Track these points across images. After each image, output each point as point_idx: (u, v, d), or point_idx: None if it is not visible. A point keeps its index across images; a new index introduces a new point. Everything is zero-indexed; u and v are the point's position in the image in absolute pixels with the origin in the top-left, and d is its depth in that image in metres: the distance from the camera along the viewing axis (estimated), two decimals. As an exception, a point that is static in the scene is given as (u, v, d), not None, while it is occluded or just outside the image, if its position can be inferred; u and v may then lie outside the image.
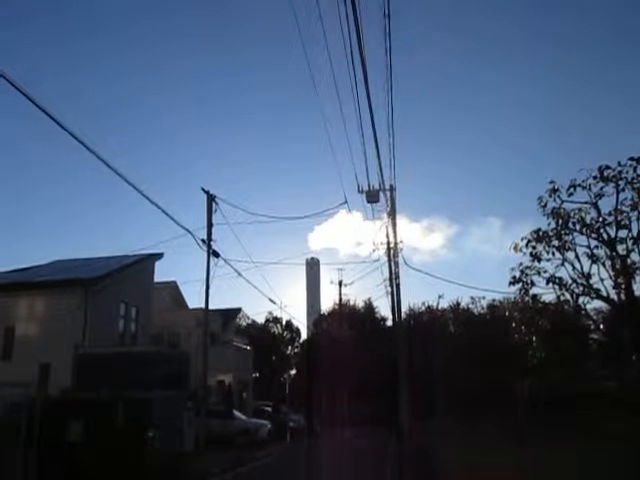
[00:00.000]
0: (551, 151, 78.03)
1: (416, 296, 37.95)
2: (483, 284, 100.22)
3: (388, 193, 21.03)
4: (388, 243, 22.61)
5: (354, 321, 38.35)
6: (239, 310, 41.38)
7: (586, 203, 12.87)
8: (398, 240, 21.93)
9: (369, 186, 19.49)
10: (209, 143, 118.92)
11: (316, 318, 50.67)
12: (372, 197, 20.24)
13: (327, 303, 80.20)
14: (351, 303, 43.34)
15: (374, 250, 23.16)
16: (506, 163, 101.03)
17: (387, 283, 23.08)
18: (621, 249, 12.47)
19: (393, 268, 22.14)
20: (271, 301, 24.49)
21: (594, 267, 12.93)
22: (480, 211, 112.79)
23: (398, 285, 21.71)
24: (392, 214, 21.85)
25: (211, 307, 19.63)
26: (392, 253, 22.23)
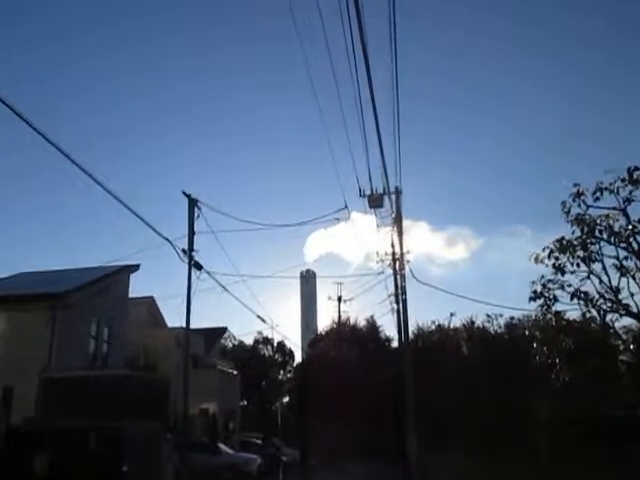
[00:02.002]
0: (594, 151, 79.31)
1: (425, 314, 38.35)
2: (506, 300, 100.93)
3: (393, 197, 20.86)
4: (393, 254, 22.46)
5: (355, 342, 37.94)
6: (224, 330, 41.20)
7: (614, 209, 12.70)
8: (405, 250, 21.60)
9: (372, 189, 19.17)
10: (193, 148, 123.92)
11: (312, 338, 50.25)
12: (375, 201, 19.96)
13: (324, 321, 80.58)
14: (352, 321, 43.01)
15: (378, 262, 23.06)
16: (538, 165, 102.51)
17: (392, 299, 23.11)
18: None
19: (399, 282, 21.84)
20: (261, 319, 24.24)
21: (623, 280, 12.87)
22: (508, 219, 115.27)
23: (405, 301, 21.24)
24: (398, 221, 21.54)
25: (193, 326, 19.53)
26: (398, 265, 21.98)
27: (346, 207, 19.13)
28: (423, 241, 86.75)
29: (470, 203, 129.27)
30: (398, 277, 22.12)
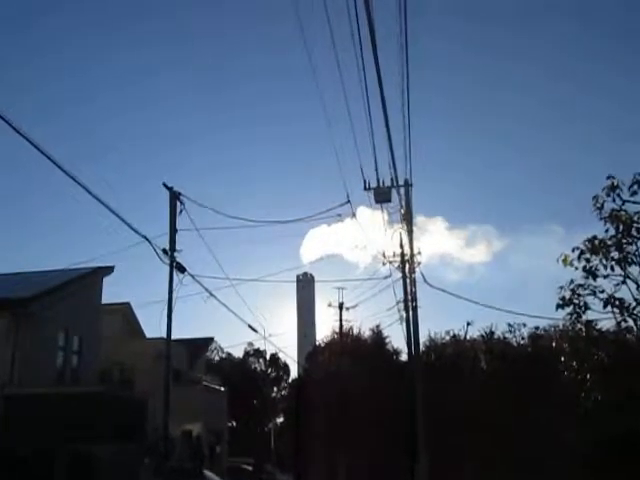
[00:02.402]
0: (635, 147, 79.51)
1: (439, 323, 38.20)
2: (531, 308, 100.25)
3: (402, 190, 20.92)
4: (402, 255, 22.50)
5: (359, 354, 37.83)
6: (211, 340, 41.11)
7: (655, 204, 12.73)
8: (416, 251, 21.84)
9: (378, 181, 19.17)
10: (177, 137, 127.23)
11: (310, 351, 50.28)
12: (382, 195, 20.01)
13: (324, 331, 79.13)
14: (355, 331, 42.93)
15: (385, 263, 22.97)
16: (575, 153, 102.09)
17: (401, 306, 23.05)
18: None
19: (409, 287, 22.06)
20: (252, 329, 23.66)
21: (665, 286, 12.88)
22: (538, 217, 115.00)
23: (415, 309, 21.61)
24: (407, 217, 21.66)
25: (175, 336, 19.55)
26: (407, 268, 22.16)
27: (349, 202, 19.05)
28: (438, 240, 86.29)
29: (494, 198, 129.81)
30: (408, 281, 22.19)
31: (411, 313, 21.62)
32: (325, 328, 63.16)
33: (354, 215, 19.89)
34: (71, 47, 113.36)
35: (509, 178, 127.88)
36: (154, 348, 23.20)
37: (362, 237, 27.92)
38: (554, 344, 33.27)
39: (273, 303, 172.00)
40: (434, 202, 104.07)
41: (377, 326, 42.79)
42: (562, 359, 31.12)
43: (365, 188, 19.74)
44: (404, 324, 22.35)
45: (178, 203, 18.83)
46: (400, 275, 22.59)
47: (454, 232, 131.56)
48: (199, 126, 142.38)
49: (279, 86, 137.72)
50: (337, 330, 38.54)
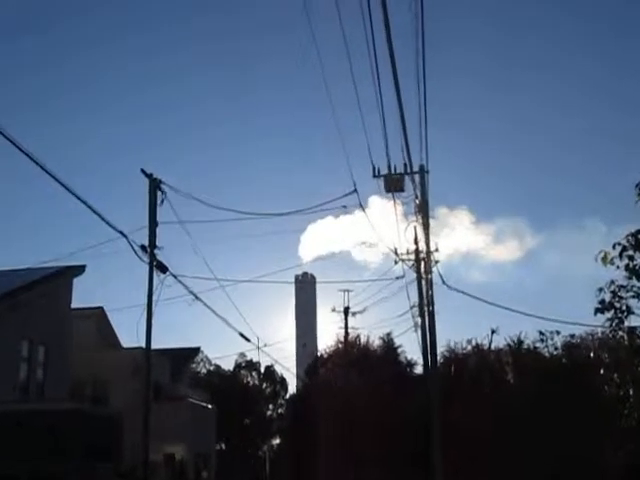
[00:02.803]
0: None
1: (460, 330, 38.48)
2: (566, 313, 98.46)
3: (417, 178, 20.55)
4: (417, 252, 22.33)
5: (367, 367, 37.76)
6: (197, 351, 40.91)
7: None
8: (433, 247, 21.53)
9: (390, 167, 18.85)
10: (157, 121, 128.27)
11: (310, 363, 49.70)
12: (393, 184, 19.65)
13: (326, 340, 78.48)
14: (362, 340, 42.61)
15: (397, 262, 22.77)
16: (614, 148, 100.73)
17: (416, 311, 22.98)
18: None
19: (425, 289, 21.87)
20: (244, 338, 23.23)
21: None
22: (577, 210, 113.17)
23: (432, 314, 21.26)
24: (423, 209, 21.21)
25: (156, 345, 19.44)
26: (423, 267, 21.92)
27: (355, 191, 18.58)
28: (462, 236, 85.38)
29: (527, 188, 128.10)
30: (423, 283, 22.01)
31: (427, 319, 21.39)
32: (328, 336, 61.79)
33: (361, 206, 19.28)
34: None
35: (544, 167, 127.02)
36: (132, 359, 23.07)
37: (371, 232, 27.18)
38: (592, 354, 33.32)
39: (269, 308, 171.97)
40: (458, 193, 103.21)
41: (388, 334, 42.61)
42: (601, 371, 30.84)
43: (374, 175, 19.48)
44: (419, 332, 22.38)
45: (159, 193, 18.69)
46: (415, 276, 22.44)
47: (480, 226, 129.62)
48: (191, 120, 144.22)
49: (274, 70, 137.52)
50: (342, 339, 38.28)
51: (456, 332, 75.14)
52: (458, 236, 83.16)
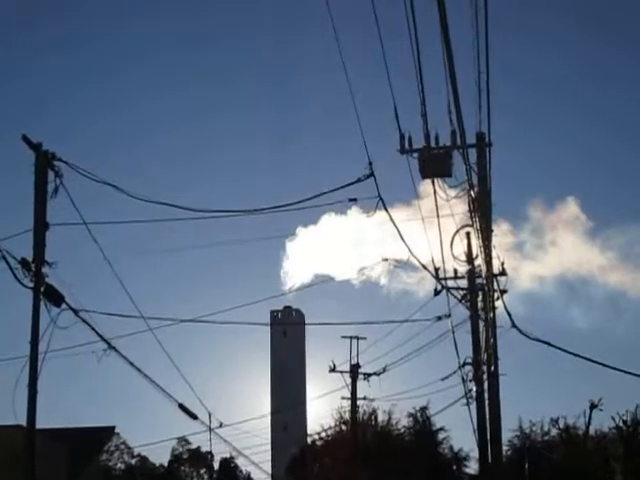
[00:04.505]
0: None
1: (539, 403, 36.66)
2: None
3: (472, 154, 17.55)
4: (471, 275, 20.30)
5: (388, 461, 33.07)
6: (111, 432, 38.99)
7: None
8: (498, 267, 19.63)
9: (427, 136, 15.32)
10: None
11: (295, 454, 46.70)
12: (434, 164, 16.53)
13: (321, 418, 62.86)
14: (381, 418, 38.82)
15: (439, 291, 20.51)
16: None
17: (468, 372, 20.84)
18: None
19: (484, 336, 19.69)
20: (187, 413, 19.25)
21: None
22: None
23: (495, 377, 19.28)
24: (482, 205, 18.04)
25: (45, 422, 19.85)
26: (482, 300, 20.17)
27: (372, 174, 15.28)
28: (561, 250, 76.11)
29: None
30: (481, 325, 20.06)
31: (486, 385, 19.76)
32: (324, 412, 51.83)
33: (381, 199, 15.56)
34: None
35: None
36: (7, 442, 21.59)
37: (396, 241, 23.16)
38: None
39: (229, 364, 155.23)
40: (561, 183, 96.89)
41: (423, 409, 40.18)
42: None
43: (403, 149, 16.35)
44: (473, 406, 20.78)
45: (51, 175, 16.11)
46: (467, 314, 20.90)
47: (592, 237, 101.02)
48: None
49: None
50: (347, 416, 35.59)
51: (533, 406, 67.61)
52: (556, 251, 73.99)
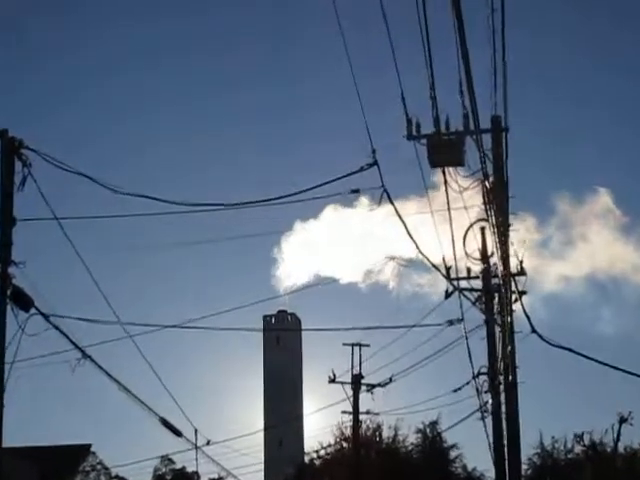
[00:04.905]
0: None
1: (562, 417, 35.47)
2: None
3: (487, 140, 17.03)
4: (486, 275, 19.82)
5: (392, 479, 32.29)
6: (86, 451, 38.73)
7: None
8: (516, 264, 19.01)
9: (437, 120, 14.25)
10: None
11: (291, 474, 45.97)
12: (445, 151, 16.08)
13: (320, 434, 62.26)
14: (386, 434, 37.86)
15: (450, 293, 19.88)
16: None
17: (483, 383, 20.51)
18: None
19: (501, 343, 19.10)
20: (170, 429, 18.12)
21: None
22: None
23: (513, 388, 18.44)
24: (498, 197, 17.21)
25: (13, 440, 19.21)
26: (497, 303, 19.52)
27: (375, 163, 14.09)
28: (591, 249, 73.79)
29: None
30: (497, 331, 19.48)
31: (503, 397, 19.10)
32: (323, 428, 50.90)
33: (386, 191, 14.35)
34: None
35: None
36: None
37: (403, 238, 22.27)
38: None
39: (218, 373, 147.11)
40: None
41: (432, 424, 39.69)
42: None
43: (410, 135, 15.86)
44: (489, 420, 20.42)
45: (19, 165, 15.36)
46: (482, 318, 20.40)
47: (629, 232, 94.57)
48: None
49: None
50: (348, 432, 34.79)
51: (556, 421, 65.02)
52: (582, 248, 71.05)
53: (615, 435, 34.26)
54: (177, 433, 18.69)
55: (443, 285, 20.40)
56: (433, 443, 37.51)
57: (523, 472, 21.78)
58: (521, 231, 19.83)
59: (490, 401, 20.34)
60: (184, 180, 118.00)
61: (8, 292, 14.42)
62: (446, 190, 15.85)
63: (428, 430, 38.26)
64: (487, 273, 19.96)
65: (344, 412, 31.69)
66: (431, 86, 11.59)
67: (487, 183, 16.47)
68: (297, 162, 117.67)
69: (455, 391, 23.91)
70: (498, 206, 17.05)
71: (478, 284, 20.15)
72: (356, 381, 30.36)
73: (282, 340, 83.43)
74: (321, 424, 52.47)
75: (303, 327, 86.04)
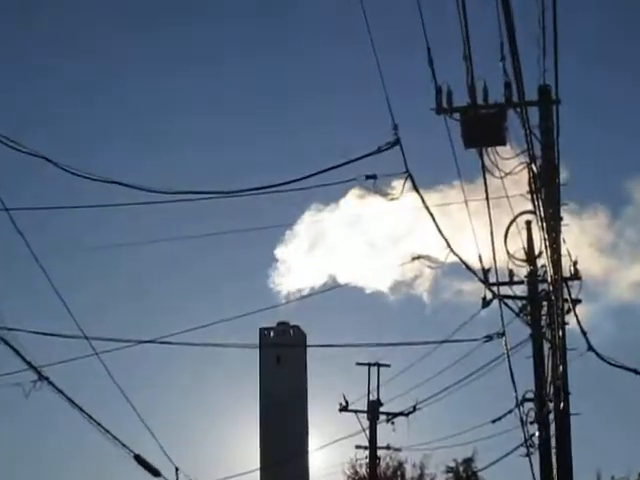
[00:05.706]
0: None
1: (628, 449, 33.50)
2: None
3: (532, 113, 15.37)
4: (532, 279, 18.70)
5: None
6: None
7: None
8: (569, 266, 18.62)
9: (472, 88, 13.33)
10: None
11: None
12: (482, 128, 15.05)
13: (330, 468, 54.65)
14: (409, 473, 38.36)
15: (489, 301, 18.77)
16: None
17: (529, 412, 19.04)
18: None
19: (549, 363, 17.91)
20: (146, 468, 16.34)
21: None
22: None
23: (565, 417, 17.18)
24: (547, 184, 15.91)
25: None
26: (547, 314, 18.60)
27: (398, 142, 12.53)
28: None
29: None
30: (545, 348, 18.27)
31: (553, 429, 17.96)
32: (332, 465, 46.74)
33: (410, 176, 12.99)
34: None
35: None
36: None
37: (429, 233, 20.62)
38: None
39: (204, 399, 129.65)
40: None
41: (467, 461, 39.05)
42: None
43: (440, 107, 14.87)
44: (536, 456, 18.98)
45: None
46: (528, 332, 19.29)
47: None
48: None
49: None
50: (364, 470, 33.85)
51: (617, 456, 59.87)
52: None
53: None
54: (154, 472, 16.66)
55: (479, 292, 18.99)
56: (468, 484, 34.64)
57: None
58: (577, 226, 18.10)
59: (537, 434, 18.66)
60: (194, 169, 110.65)
61: None
62: (484, 175, 14.55)
63: (461, 469, 36.50)
64: (534, 277, 18.49)
65: (358, 447, 29.07)
66: (464, 41, 9.90)
67: (534, 167, 15.11)
68: (316, 147, 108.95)
69: (494, 421, 22.49)
70: (547, 195, 15.63)
71: (523, 290, 18.71)
72: (373, 409, 28.26)
73: (283, 358, 75.76)
74: (330, 461, 47.24)
75: (308, 342, 76.60)
